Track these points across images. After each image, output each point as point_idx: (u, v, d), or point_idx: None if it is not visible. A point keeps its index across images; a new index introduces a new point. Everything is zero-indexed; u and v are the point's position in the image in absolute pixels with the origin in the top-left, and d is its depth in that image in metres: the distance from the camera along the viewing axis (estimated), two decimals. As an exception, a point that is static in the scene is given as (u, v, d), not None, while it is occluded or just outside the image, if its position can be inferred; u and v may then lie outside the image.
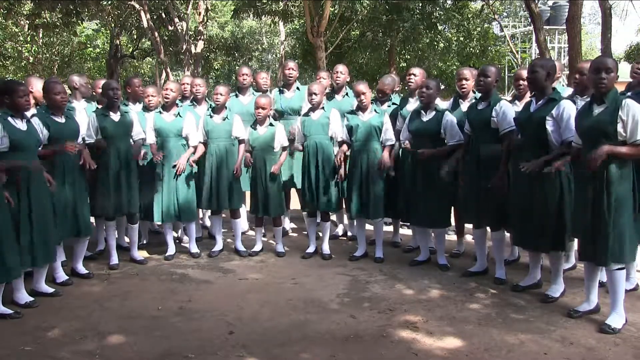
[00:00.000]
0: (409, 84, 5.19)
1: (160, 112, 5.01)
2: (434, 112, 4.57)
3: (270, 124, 5.05)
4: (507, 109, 4.17)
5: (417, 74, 5.18)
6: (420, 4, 15.80)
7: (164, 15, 17.88)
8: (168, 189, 4.93)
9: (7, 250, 3.54)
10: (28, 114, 4.04)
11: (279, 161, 5.04)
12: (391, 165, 4.87)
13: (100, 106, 4.98)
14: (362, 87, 4.86)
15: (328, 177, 4.94)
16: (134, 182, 4.81)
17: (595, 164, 3.22)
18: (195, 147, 5.03)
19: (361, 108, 4.91)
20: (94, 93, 5.63)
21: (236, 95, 5.74)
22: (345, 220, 5.91)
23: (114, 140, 4.64)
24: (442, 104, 4.88)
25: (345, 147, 4.92)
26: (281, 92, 5.85)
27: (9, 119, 3.75)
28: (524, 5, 16.03)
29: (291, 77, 5.77)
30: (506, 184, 4.10)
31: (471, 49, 17.88)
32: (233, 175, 5.05)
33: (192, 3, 18.29)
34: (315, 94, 4.90)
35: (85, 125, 4.64)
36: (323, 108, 5.02)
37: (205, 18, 18.56)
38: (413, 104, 5.05)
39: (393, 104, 5.36)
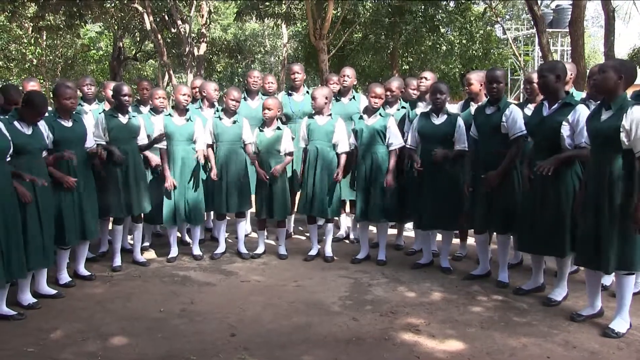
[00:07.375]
0: (420, 88, 5.18)
1: (170, 115, 4.97)
2: (445, 116, 4.57)
3: (278, 127, 5.04)
4: (517, 113, 4.15)
5: (428, 78, 5.16)
6: (423, 7, 15.80)
7: (167, 18, 17.90)
8: (178, 191, 4.92)
9: (13, 250, 3.54)
10: None
11: (282, 163, 4.99)
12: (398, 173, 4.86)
13: (107, 107, 4.97)
14: (377, 89, 4.85)
15: (328, 183, 4.93)
16: (142, 183, 4.80)
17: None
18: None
19: (368, 110, 4.90)
20: (102, 93, 5.66)
21: (244, 99, 5.69)
22: (349, 223, 5.90)
23: (121, 142, 4.62)
24: (450, 107, 4.87)
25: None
26: (289, 95, 5.85)
27: (15, 123, 3.77)
28: (526, 8, 16.02)
29: (297, 80, 5.78)
30: (498, 182, 4.11)
31: (474, 52, 17.83)
32: (240, 178, 5.03)
33: (195, 5, 18.33)
34: (316, 98, 4.90)
35: (93, 127, 4.64)
36: (330, 115, 5.00)
37: (208, 20, 18.60)
38: (423, 108, 5.03)
39: (402, 107, 5.33)
